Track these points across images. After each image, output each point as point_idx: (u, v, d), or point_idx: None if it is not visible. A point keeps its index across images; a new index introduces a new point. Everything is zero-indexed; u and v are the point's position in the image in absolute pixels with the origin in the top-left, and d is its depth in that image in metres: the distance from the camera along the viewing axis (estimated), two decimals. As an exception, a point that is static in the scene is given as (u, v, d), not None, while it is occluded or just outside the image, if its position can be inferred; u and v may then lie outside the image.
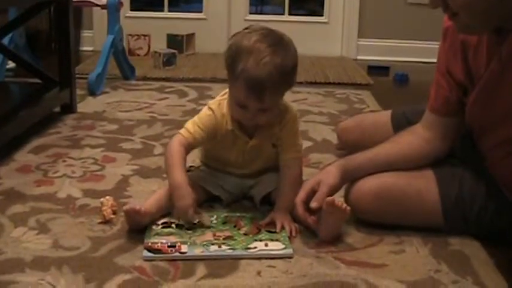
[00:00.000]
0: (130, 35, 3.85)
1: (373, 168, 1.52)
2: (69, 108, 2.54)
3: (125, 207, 1.46)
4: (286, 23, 4.14)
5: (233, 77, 1.46)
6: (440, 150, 1.55)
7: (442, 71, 1.51)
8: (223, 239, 1.43)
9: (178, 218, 1.48)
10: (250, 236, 1.45)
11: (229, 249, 1.39)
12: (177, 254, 1.36)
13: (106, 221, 1.51)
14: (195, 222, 1.47)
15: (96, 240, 1.43)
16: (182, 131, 1.57)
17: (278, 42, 1.46)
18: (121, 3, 3.18)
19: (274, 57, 1.42)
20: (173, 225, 1.47)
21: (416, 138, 1.56)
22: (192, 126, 1.56)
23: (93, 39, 4.14)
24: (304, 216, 1.47)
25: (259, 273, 1.31)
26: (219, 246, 1.39)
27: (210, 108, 1.57)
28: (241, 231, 1.47)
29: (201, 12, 4.28)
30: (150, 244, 1.39)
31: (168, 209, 1.52)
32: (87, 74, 3.00)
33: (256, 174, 1.66)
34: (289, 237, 1.45)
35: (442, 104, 1.53)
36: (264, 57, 1.42)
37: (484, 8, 1.24)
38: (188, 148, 1.56)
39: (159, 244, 1.39)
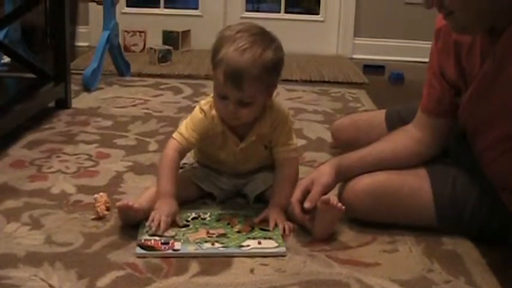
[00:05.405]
0: (126, 31, 3.84)
1: (367, 167, 1.52)
2: (63, 103, 2.53)
3: (118, 203, 1.45)
4: (282, 21, 4.14)
5: (214, 66, 1.47)
6: (432, 150, 1.55)
7: (435, 71, 1.51)
8: (217, 236, 1.43)
9: (150, 222, 1.43)
10: (244, 233, 1.45)
11: (223, 247, 1.39)
12: (170, 251, 1.36)
13: (99, 217, 1.51)
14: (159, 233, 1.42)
15: (89, 237, 1.42)
16: (177, 135, 1.55)
17: (261, 34, 1.47)
18: (117, -1, 3.17)
19: (254, 47, 1.43)
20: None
21: (408, 138, 1.56)
22: (185, 130, 1.55)
23: (89, 34, 4.13)
24: (301, 216, 1.47)
25: (252, 271, 1.31)
26: (213, 244, 1.39)
27: (201, 110, 1.56)
28: (235, 229, 1.47)
29: (197, 9, 4.27)
30: (143, 241, 1.39)
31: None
32: (82, 70, 2.99)
33: (250, 174, 1.65)
34: (283, 236, 1.45)
35: (434, 105, 1.53)
36: (243, 45, 1.42)
37: (480, 6, 1.25)
38: (183, 152, 1.56)
39: (152, 241, 1.39)
